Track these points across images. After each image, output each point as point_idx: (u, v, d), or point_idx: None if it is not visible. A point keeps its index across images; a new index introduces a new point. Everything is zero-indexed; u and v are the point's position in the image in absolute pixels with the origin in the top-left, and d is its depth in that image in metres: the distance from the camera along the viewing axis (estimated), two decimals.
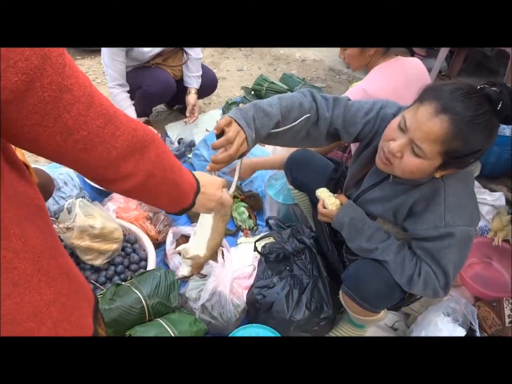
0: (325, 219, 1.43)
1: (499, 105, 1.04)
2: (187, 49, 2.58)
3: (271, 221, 1.90)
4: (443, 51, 3.08)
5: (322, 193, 1.44)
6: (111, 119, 0.61)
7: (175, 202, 0.84)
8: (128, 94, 2.45)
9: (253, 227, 2.14)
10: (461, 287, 1.87)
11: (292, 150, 1.85)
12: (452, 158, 1.09)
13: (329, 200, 1.40)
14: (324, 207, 1.41)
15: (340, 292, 1.44)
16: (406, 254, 1.28)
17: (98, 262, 1.76)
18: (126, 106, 2.42)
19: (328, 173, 1.64)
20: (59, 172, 2.12)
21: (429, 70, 3.29)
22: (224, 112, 2.94)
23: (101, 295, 1.53)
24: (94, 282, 1.70)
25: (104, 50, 2.34)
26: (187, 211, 0.88)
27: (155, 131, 0.74)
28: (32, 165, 2.06)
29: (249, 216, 2.20)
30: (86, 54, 3.84)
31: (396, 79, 1.68)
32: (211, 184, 0.96)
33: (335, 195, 1.43)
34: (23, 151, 1.62)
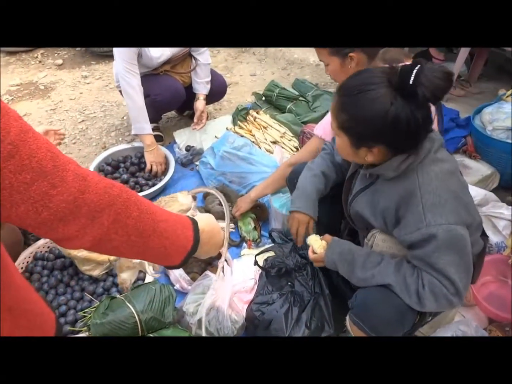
0: (318, 264, 1.45)
1: (406, 81, 1.05)
2: (196, 55, 2.55)
3: (274, 234, 1.84)
4: (462, 55, 2.96)
5: (311, 240, 1.45)
6: (45, 175, 0.54)
7: (156, 261, 0.79)
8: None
9: (256, 239, 2.08)
10: (475, 307, 1.77)
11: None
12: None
13: (316, 244, 1.41)
14: (314, 253, 1.43)
15: (347, 320, 1.37)
16: (406, 270, 1.22)
17: (96, 272, 1.73)
18: (145, 116, 2.36)
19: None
20: None
21: None
22: (234, 119, 2.89)
23: (95, 309, 1.49)
24: (88, 295, 1.67)
25: (118, 57, 2.27)
26: (178, 267, 0.82)
27: (128, 191, 0.65)
28: None
29: (255, 228, 2.15)
30: (100, 59, 3.87)
31: None
32: (213, 238, 0.91)
33: (321, 237, 1.44)
34: None
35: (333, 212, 1.64)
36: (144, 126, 2.36)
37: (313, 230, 1.57)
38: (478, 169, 2.35)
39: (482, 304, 1.69)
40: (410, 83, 1.04)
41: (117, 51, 2.27)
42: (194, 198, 1.70)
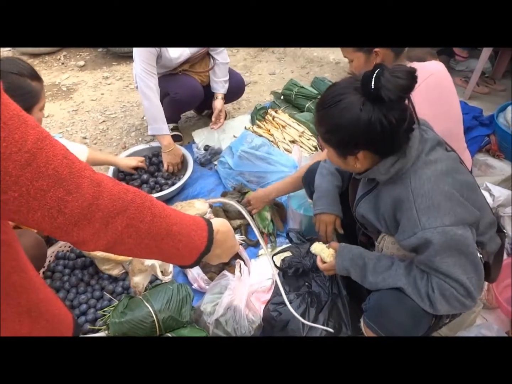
0: (329, 272, 1.46)
1: (369, 86, 1.06)
2: (214, 54, 2.56)
3: (291, 234, 1.83)
4: (486, 52, 2.89)
5: (316, 249, 1.45)
6: (60, 182, 0.55)
7: (169, 261, 0.80)
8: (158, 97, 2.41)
9: (272, 232, 2.09)
10: (497, 309, 1.73)
11: None
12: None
13: (324, 253, 1.42)
14: (323, 262, 1.44)
15: (362, 323, 1.35)
16: (416, 273, 1.21)
17: (116, 272, 1.76)
18: (162, 117, 2.38)
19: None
20: None
21: (472, 71, 3.12)
22: (252, 118, 2.89)
23: (114, 308, 1.52)
24: (108, 294, 1.69)
25: (138, 59, 2.29)
26: (191, 267, 0.84)
27: (145, 195, 0.66)
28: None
29: (271, 220, 2.14)
30: (121, 60, 3.92)
31: (417, 90, 1.54)
32: (226, 242, 0.91)
33: (327, 245, 1.45)
34: None
35: (348, 211, 1.64)
36: (161, 126, 2.37)
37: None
38: (502, 168, 2.30)
39: (504, 306, 1.65)
40: (372, 87, 1.06)
41: (136, 52, 2.30)
42: (211, 206, 1.71)
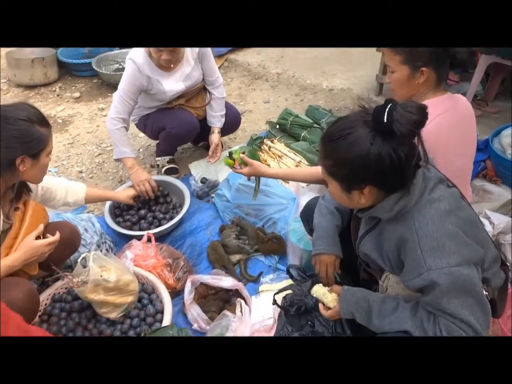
0: (333, 318, 1.43)
1: (381, 120, 1.06)
2: (211, 89, 2.57)
3: (292, 271, 1.81)
4: (477, 75, 2.92)
5: (317, 292, 1.43)
6: None
7: None
8: (126, 132, 2.40)
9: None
10: None
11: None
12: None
13: (327, 299, 1.39)
14: (326, 307, 1.41)
15: None
16: (422, 314, 1.19)
17: (114, 315, 1.72)
18: (123, 143, 2.35)
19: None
20: (81, 218, 2.13)
21: (464, 95, 3.15)
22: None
23: None
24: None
25: (120, 86, 2.33)
26: None
27: None
28: (57, 216, 2.09)
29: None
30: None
31: (442, 118, 1.53)
32: None
33: (328, 288, 1.42)
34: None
35: (349, 248, 1.62)
36: (123, 150, 2.35)
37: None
38: (500, 194, 2.29)
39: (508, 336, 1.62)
40: (385, 121, 1.06)
41: (122, 82, 2.32)
42: None
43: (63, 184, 1.94)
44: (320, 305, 1.42)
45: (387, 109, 1.06)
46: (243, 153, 1.99)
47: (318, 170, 1.82)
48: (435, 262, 1.11)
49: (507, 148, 2.30)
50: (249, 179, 2.07)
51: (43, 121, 1.54)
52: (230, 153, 2.04)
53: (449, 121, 1.55)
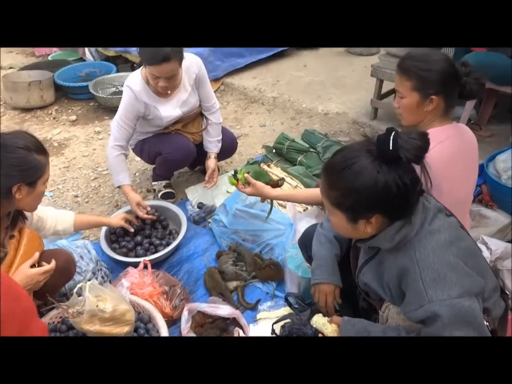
0: None
1: (386, 148, 1.08)
2: (207, 114, 2.58)
3: (290, 299, 1.80)
4: (471, 100, 2.96)
5: (317, 323, 1.42)
6: None
7: None
8: (125, 159, 2.41)
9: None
10: None
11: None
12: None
13: (327, 329, 1.38)
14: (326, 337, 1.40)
15: None
16: None
17: None
18: (120, 171, 2.36)
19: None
20: (76, 245, 2.11)
21: (457, 119, 3.19)
22: None
23: None
24: None
25: (118, 113, 2.34)
26: None
27: None
28: (52, 244, 2.06)
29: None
30: (113, 114, 3.84)
31: (450, 147, 1.56)
32: None
33: (328, 319, 1.41)
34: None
35: (348, 277, 1.61)
36: (118, 179, 2.36)
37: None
38: (496, 218, 2.30)
39: None
40: (390, 149, 1.08)
41: (120, 108, 2.33)
42: None
43: (53, 213, 1.93)
44: (320, 336, 1.40)
45: (392, 136, 1.09)
46: (248, 173, 1.99)
47: (318, 191, 1.82)
48: (437, 294, 1.10)
49: (502, 173, 2.31)
50: (262, 201, 2.04)
51: (41, 149, 1.54)
52: (235, 172, 2.04)
53: (455, 150, 1.57)
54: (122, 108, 2.31)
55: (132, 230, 2.27)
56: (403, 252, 1.19)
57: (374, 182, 1.11)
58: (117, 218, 2.26)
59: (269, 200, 2.07)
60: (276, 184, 2.10)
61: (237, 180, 2.01)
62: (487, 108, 3.34)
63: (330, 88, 4.14)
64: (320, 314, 1.43)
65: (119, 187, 2.40)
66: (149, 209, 2.35)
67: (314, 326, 1.42)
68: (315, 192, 1.85)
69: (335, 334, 1.35)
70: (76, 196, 2.92)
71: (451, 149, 1.54)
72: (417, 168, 1.18)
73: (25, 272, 1.52)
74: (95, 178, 3.11)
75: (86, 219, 2.13)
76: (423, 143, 1.11)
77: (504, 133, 3.19)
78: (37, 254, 1.59)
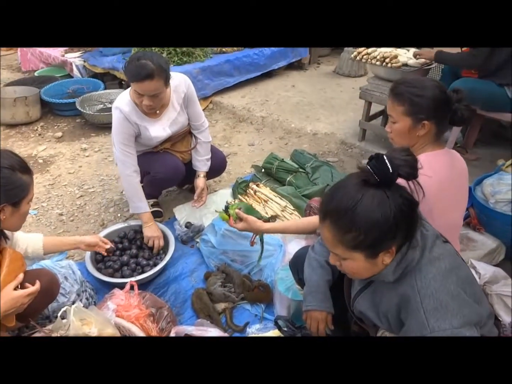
0: None
1: (386, 171, 1.08)
2: (196, 134, 2.57)
3: (280, 322, 1.76)
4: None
5: None
6: None
7: None
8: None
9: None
10: None
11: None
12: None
13: None
14: None
15: None
16: None
17: None
18: (142, 198, 2.40)
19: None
20: (60, 266, 2.05)
21: (444, 142, 3.23)
22: (233, 192, 2.89)
23: None
24: None
25: (115, 141, 2.31)
26: None
27: None
28: (36, 264, 2.00)
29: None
30: (100, 131, 3.92)
31: (443, 173, 1.57)
32: None
33: None
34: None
35: (339, 301, 1.59)
36: (139, 205, 2.37)
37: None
38: (483, 242, 2.31)
39: None
40: (391, 171, 1.08)
41: (114, 134, 2.30)
42: None
43: (22, 235, 1.87)
44: None
45: (387, 159, 1.09)
46: (239, 208, 1.97)
47: (310, 221, 1.81)
48: (438, 324, 1.08)
49: (489, 197, 2.34)
50: (252, 244, 2.03)
51: (26, 168, 1.51)
52: (227, 208, 2.02)
53: (447, 176, 1.58)
54: (117, 133, 2.29)
55: (105, 253, 2.14)
56: (404, 281, 1.17)
57: (389, 209, 1.08)
58: (92, 238, 2.06)
59: (259, 242, 2.06)
60: (267, 221, 2.09)
61: (229, 215, 1.99)
62: (473, 132, 3.40)
63: (319, 109, 4.18)
64: None
65: (134, 213, 2.41)
66: (160, 249, 2.39)
67: None
68: (307, 221, 1.85)
69: None
70: (61, 214, 2.86)
71: (442, 175, 1.55)
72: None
73: (9, 294, 1.47)
74: (81, 196, 3.06)
75: (56, 240, 1.98)
76: (413, 156, 1.14)
77: (489, 157, 3.25)
78: (21, 276, 1.54)
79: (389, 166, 1.08)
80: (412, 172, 1.12)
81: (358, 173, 1.15)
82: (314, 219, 1.79)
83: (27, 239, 1.86)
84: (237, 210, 1.95)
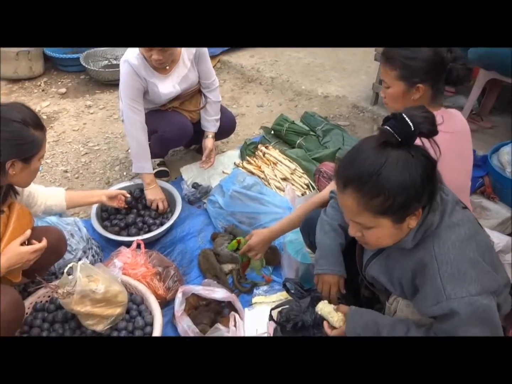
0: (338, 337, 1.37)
1: (407, 129, 1.04)
2: (206, 92, 2.48)
3: (288, 285, 1.74)
4: (475, 91, 2.91)
5: (323, 310, 1.36)
6: None
7: None
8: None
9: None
10: None
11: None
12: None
13: (333, 318, 1.32)
14: (331, 326, 1.34)
15: None
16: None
17: (100, 327, 1.62)
18: (148, 158, 2.33)
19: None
20: (66, 222, 2.02)
21: (459, 108, 3.13)
22: (242, 153, 2.82)
23: None
24: None
25: (123, 96, 2.23)
26: None
27: None
28: (41, 221, 1.97)
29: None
30: (105, 88, 3.82)
31: (445, 135, 1.49)
32: None
33: (335, 307, 1.36)
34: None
35: (351, 265, 1.56)
36: (143, 165, 2.30)
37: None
38: (497, 211, 2.27)
39: None
40: (412, 129, 1.04)
41: (122, 88, 2.22)
42: None
43: (42, 189, 1.83)
44: (325, 324, 1.35)
45: (406, 118, 1.04)
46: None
47: (310, 205, 1.77)
48: (455, 291, 1.05)
49: (507, 166, 2.27)
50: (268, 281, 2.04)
51: (38, 124, 1.45)
52: (238, 244, 2.01)
53: (446, 138, 1.51)
54: (125, 87, 2.20)
55: (125, 206, 2.18)
56: (421, 246, 1.14)
57: (415, 169, 1.03)
58: (106, 196, 2.08)
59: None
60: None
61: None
62: (490, 99, 3.28)
63: (330, 71, 4.05)
64: (326, 301, 1.38)
65: (137, 173, 2.36)
66: (166, 211, 2.35)
67: (319, 313, 1.36)
68: (309, 205, 1.78)
69: (341, 324, 1.29)
70: (66, 171, 2.82)
71: (445, 139, 1.48)
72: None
73: (15, 250, 1.44)
74: (86, 153, 3.00)
75: (78, 195, 2.04)
76: (431, 113, 1.09)
77: (506, 125, 3.15)
78: (28, 232, 1.50)
79: (410, 124, 1.03)
80: (432, 129, 1.08)
81: (376, 136, 1.09)
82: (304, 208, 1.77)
83: (47, 192, 1.82)
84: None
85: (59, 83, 3.94)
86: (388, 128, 1.05)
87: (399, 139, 1.04)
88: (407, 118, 1.04)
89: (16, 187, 1.58)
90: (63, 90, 3.80)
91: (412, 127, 1.03)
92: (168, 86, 2.29)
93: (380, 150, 1.06)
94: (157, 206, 2.29)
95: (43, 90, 3.82)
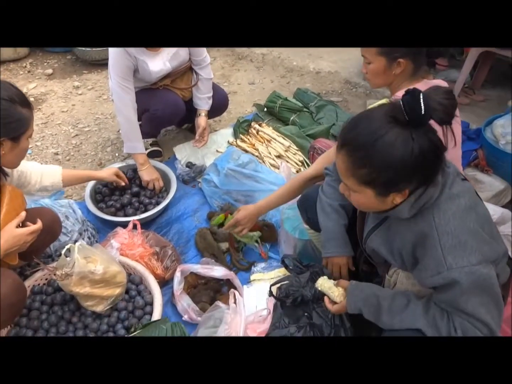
0: (339, 313, 1.39)
1: (418, 112, 1.00)
2: (197, 69, 2.44)
3: (287, 261, 1.74)
4: (468, 64, 2.90)
5: (323, 286, 1.37)
6: None
7: None
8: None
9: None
10: None
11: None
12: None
13: (333, 293, 1.33)
14: (332, 301, 1.36)
15: None
16: (435, 312, 1.14)
17: (100, 308, 1.62)
18: (138, 135, 2.29)
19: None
20: (60, 205, 2.00)
21: (451, 81, 3.12)
22: (235, 131, 2.79)
23: None
24: (92, 333, 1.56)
25: (113, 75, 2.17)
26: None
27: None
28: (35, 203, 1.94)
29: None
30: (93, 68, 3.74)
31: None
32: None
33: (335, 282, 1.37)
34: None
35: (350, 240, 1.57)
36: (136, 145, 2.26)
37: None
38: (491, 184, 2.28)
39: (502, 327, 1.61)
40: (423, 113, 1.00)
41: (111, 65, 2.17)
42: None
43: (37, 168, 1.79)
44: (326, 299, 1.36)
45: (422, 99, 1.00)
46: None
47: (300, 180, 1.76)
48: (456, 261, 1.05)
49: (500, 138, 2.28)
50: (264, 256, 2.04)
51: (25, 102, 1.41)
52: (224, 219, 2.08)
53: None
54: (114, 64, 2.14)
55: (124, 183, 2.17)
56: (420, 218, 1.13)
57: (411, 152, 1.00)
58: (108, 172, 2.11)
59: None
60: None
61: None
62: (482, 72, 3.28)
63: None
64: (325, 277, 1.38)
65: (129, 154, 2.33)
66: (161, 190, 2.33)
67: (319, 289, 1.37)
68: (297, 180, 1.78)
69: (341, 299, 1.30)
70: (57, 154, 2.77)
71: None
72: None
73: (11, 232, 1.42)
74: (76, 135, 2.95)
75: (74, 173, 2.00)
76: (453, 102, 1.05)
77: (498, 98, 3.16)
78: (23, 213, 1.48)
79: (422, 107, 0.99)
80: (446, 119, 1.05)
81: (389, 106, 1.07)
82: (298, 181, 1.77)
83: (42, 171, 1.79)
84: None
85: (45, 64, 3.85)
86: (400, 102, 1.03)
87: (407, 118, 1.01)
88: (421, 100, 1.00)
89: (6, 169, 1.55)
90: (50, 71, 3.71)
91: (423, 111, 1.00)
92: (158, 64, 2.24)
93: (385, 123, 1.03)
94: (154, 186, 2.27)
95: (29, 72, 3.73)
